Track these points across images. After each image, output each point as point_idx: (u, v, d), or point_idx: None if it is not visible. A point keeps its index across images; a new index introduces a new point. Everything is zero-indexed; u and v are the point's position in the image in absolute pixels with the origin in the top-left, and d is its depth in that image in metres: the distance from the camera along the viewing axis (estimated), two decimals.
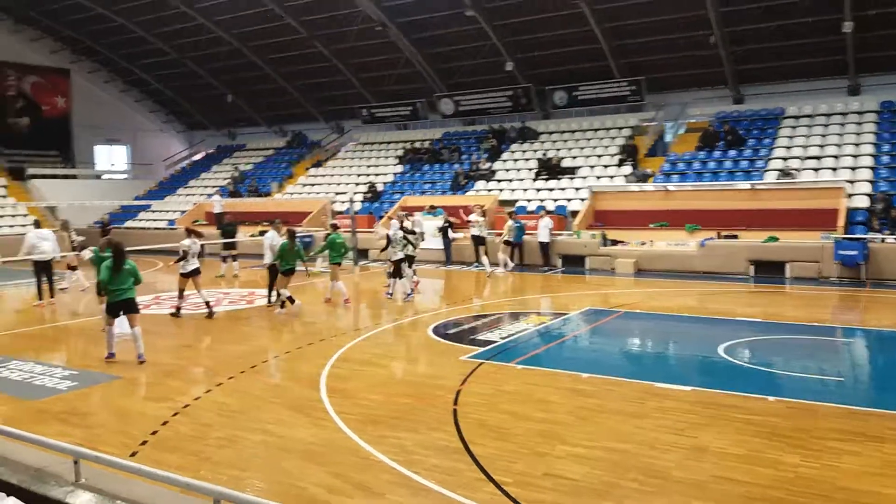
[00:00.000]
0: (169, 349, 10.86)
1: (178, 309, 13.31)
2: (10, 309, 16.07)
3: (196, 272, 13.26)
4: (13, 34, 33.98)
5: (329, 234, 15.53)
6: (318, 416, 7.28)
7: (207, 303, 13.24)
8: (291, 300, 13.67)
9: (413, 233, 16.13)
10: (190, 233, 13.63)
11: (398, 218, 17.55)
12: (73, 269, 17.30)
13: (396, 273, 15.27)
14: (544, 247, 20.84)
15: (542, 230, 20.74)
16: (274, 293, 14.20)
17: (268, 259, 14.46)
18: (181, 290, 13.37)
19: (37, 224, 16.91)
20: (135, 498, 4.43)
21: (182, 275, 13.24)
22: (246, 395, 8.15)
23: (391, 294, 15.31)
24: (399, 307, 14.57)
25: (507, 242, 20.37)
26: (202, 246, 14.40)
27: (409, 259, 15.71)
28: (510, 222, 20.66)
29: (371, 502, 5.26)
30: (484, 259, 20.05)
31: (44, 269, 15.22)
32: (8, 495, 4.15)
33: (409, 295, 15.20)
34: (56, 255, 15.73)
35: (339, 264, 15.05)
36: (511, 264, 20.37)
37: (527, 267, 21.11)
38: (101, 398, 8.10)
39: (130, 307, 9.74)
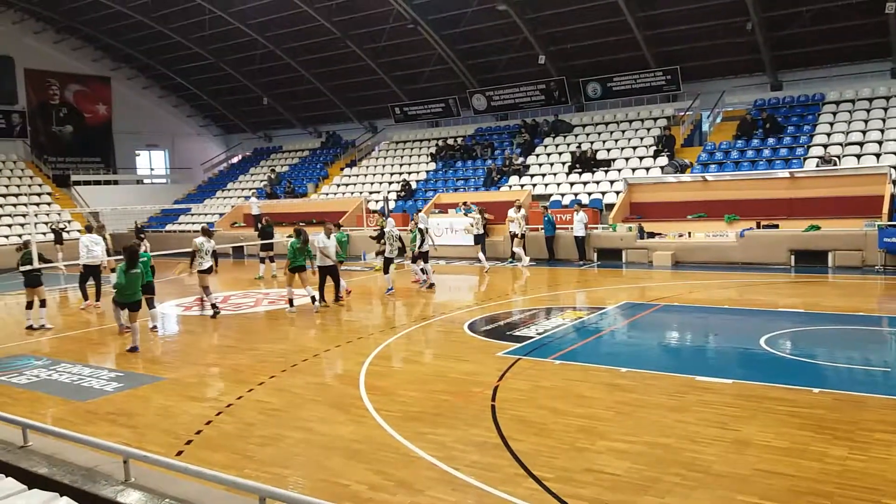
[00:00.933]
0: (211, 349, 11.08)
1: (214, 307, 13.72)
2: (57, 313, 16.51)
3: (209, 270, 13.77)
4: (56, 44, 34.92)
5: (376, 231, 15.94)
6: (358, 414, 7.36)
7: (211, 303, 13.79)
8: (291, 303, 14.21)
9: (421, 231, 16.63)
10: (204, 232, 14.07)
11: (415, 217, 18.23)
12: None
13: (386, 269, 16.07)
14: (579, 241, 20.68)
15: (577, 224, 20.59)
16: (313, 292, 14.39)
17: (318, 261, 14.51)
18: (205, 287, 13.83)
19: (89, 229, 17.38)
20: (183, 496, 4.53)
21: (200, 272, 13.66)
22: (287, 393, 8.27)
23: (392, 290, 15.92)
24: (435, 304, 14.62)
25: (518, 236, 20.73)
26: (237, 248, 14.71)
27: (424, 255, 16.60)
28: (518, 213, 20.95)
29: (413, 499, 5.30)
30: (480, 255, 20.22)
31: (93, 273, 15.68)
32: (61, 495, 4.28)
33: (389, 290, 15.88)
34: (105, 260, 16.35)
35: (342, 262, 15.87)
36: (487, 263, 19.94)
37: (560, 262, 20.97)
38: (146, 399, 8.29)
39: (138, 306, 11.00)
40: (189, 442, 6.68)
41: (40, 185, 33.31)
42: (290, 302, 14.08)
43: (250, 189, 34.61)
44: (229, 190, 36.11)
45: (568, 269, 19.75)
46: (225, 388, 8.68)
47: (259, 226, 20.58)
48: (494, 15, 26.11)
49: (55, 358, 10.52)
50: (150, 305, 12.51)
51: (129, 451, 4.88)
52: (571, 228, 20.90)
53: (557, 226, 21.38)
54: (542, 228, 21.33)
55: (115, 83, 37.52)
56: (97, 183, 35.61)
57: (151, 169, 41.49)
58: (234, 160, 41.35)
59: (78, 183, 34.78)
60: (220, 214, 32.20)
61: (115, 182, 36.96)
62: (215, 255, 14.10)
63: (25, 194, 32.09)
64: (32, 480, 4.68)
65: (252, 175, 36.89)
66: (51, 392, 8.66)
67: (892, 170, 19.27)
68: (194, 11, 29.74)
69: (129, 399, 8.29)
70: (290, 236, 14.79)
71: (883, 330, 11.16)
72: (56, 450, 5.31)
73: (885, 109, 22.20)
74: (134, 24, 31.79)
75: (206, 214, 33.39)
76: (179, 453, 6.35)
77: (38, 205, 31.53)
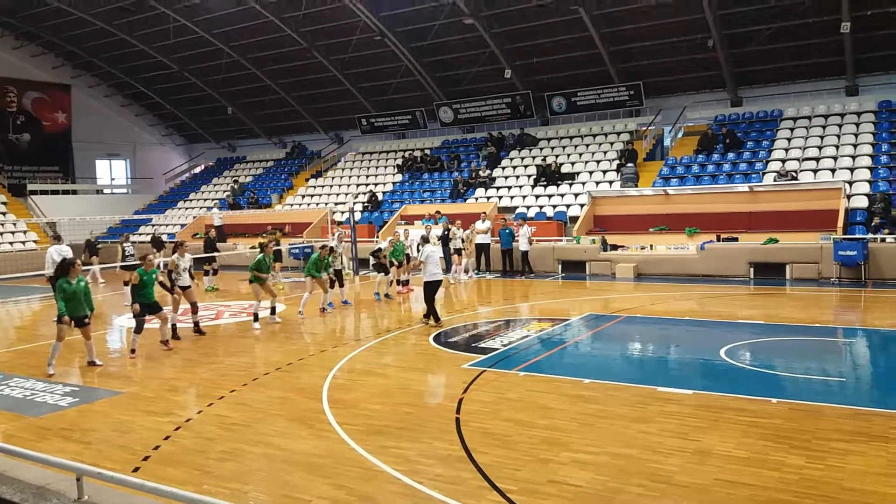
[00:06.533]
0: (171, 363, 10.86)
1: (197, 325, 13.09)
2: (11, 326, 16.08)
3: (187, 287, 13.10)
4: (14, 50, 34.17)
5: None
6: (320, 428, 7.27)
7: (195, 322, 13.08)
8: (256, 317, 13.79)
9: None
10: (177, 247, 13.48)
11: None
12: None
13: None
14: (524, 255, 20.67)
15: (521, 238, 20.64)
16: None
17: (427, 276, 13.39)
18: (193, 303, 13.13)
19: (57, 239, 16.93)
20: None
21: (182, 288, 13.03)
22: (248, 407, 8.13)
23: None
24: (400, 317, 14.57)
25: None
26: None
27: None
28: (483, 225, 20.97)
29: None
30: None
31: None
32: None
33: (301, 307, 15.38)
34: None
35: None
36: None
37: (518, 274, 20.99)
38: (102, 414, 8.09)
39: (80, 323, 10.38)
40: (146, 458, 6.53)
41: None
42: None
43: (213, 200, 34.21)
44: (191, 200, 35.64)
45: (528, 281, 19.84)
46: (184, 403, 8.51)
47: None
48: (461, 28, 26.28)
49: (8, 372, 10.22)
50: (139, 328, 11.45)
51: (83, 468, 4.75)
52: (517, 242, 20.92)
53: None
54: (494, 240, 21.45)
55: (75, 91, 36.84)
56: (55, 192, 34.83)
57: (112, 178, 40.75)
58: (197, 170, 40.85)
59: (35, 192, 33.99)
60: (182, 225, 31.74)
61: (74, 192, 36.20)
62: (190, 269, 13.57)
63: None
64: None
65: (215, 185, 36.47)
66: (1, 407, 8.40)
67: (847, 185, 19.81)
68: (159, 20, 29.38)
69: (84, 414, 8.08)
70: (259, 245, 14.78)
71: (838, 341, 11.41)
72: (6, 467, 5.15)
73: (840, 126, 22.85)
74: (96, 32, 31.29)
75: (167, 225, 32.89)
76: (136, 469, 6.20)
77: None
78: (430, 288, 13.01)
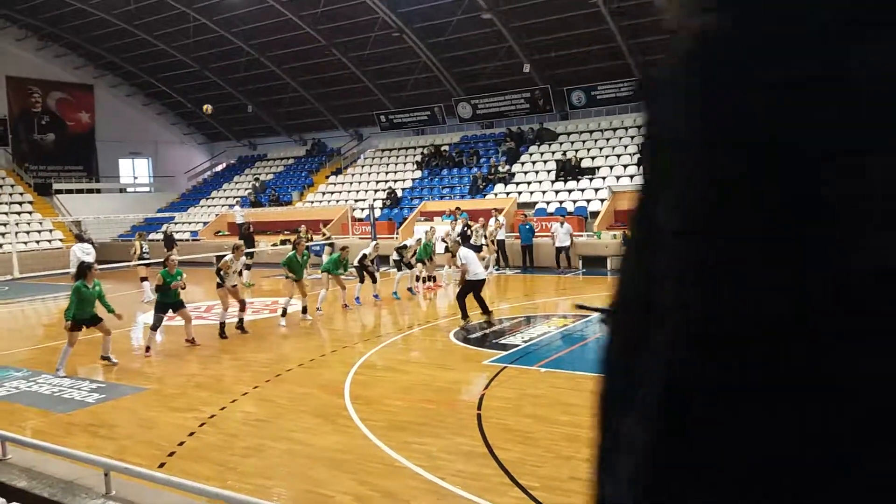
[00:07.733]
0: (194, 360, 10.97)
1: (240, 322, 13.00)
2: (38, 323, 16.33)
3: (233, 286, 12.94)
4: (38, 51, 34.60)
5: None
6: (343, 424, 7.31)
7: (240, 318, 12.93)
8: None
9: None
10: (234, 249, 13.28)
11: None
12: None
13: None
14: (565, 251, 20.59)
15: (563, 235, 20.57)
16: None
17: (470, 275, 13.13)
18: (242, 302, 13.05)
19: (79, 238, 17.04)
20: None
21: (232, 287, 12.94)
22: (271, 403, 8.20)
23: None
24: (420, 313, 14.61)
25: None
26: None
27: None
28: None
29: None
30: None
31: None
32: None
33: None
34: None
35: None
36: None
37: (538, 269, 20.95)
38: (128, 410, 8.20)
39: (92, 322, 10.46)
40: (172, 453, 6.60)
41: (21, 194, 32.92)
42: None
43: (235, 198, 34.44)
44: (213, 198, 35.91)
45: (551, 276, 19.77)
46: (208, 399, 8.59)
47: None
48: (479, 23, 26.20)
49: (35, 369, 10.39)
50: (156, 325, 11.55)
51: (111, 464, 4.82)
52: (554, 238, 20.85)
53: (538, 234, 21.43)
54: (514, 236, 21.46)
55: (98, 91, 37.24)
56: (79, 192, 35.28)
57: (135, 177, 41.17)
58: (218, 168, 41.14)
59: (60, 191, 34.46)
60: (205, 223, 32.00)
61: (98, 190, 36.63)
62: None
63: (6, 203, 31.69)
64: (11, 494, 4.61)
65: (236, 183, 36.71)
66: (30, 404, 8.55)
67: None
68: (179, 19, 29.62)
69: (110, 410, 8.19)
70: (283, 242, 14.86)
71: None
72: (35, 463, 5.23)
73: None
74: (118, 32, 31.60)
75: (190, 223, 33.19)
76: (162, 465, 6.27)
77: (18, 213, 31.19)
78: (472, 286, 12.73)
